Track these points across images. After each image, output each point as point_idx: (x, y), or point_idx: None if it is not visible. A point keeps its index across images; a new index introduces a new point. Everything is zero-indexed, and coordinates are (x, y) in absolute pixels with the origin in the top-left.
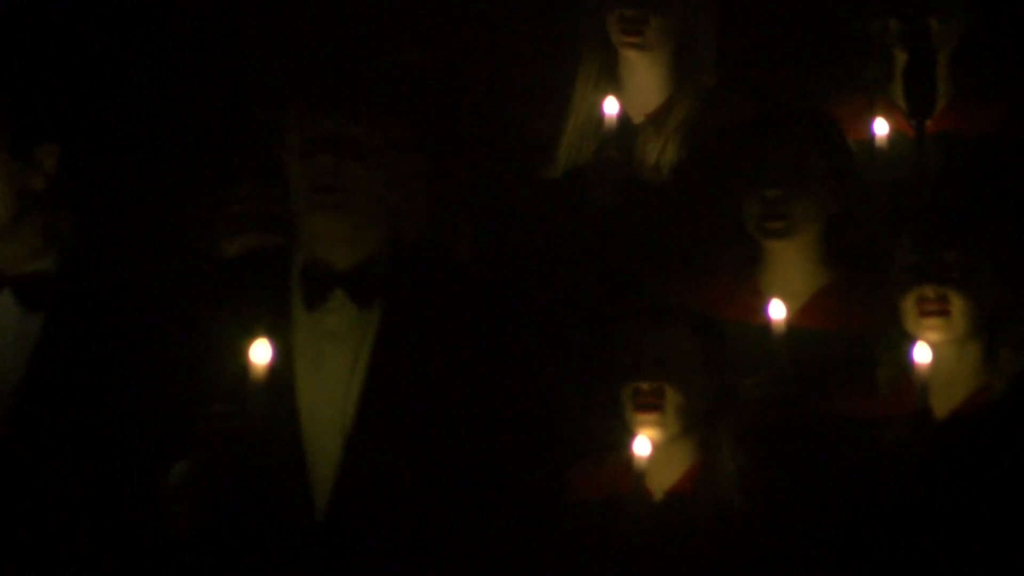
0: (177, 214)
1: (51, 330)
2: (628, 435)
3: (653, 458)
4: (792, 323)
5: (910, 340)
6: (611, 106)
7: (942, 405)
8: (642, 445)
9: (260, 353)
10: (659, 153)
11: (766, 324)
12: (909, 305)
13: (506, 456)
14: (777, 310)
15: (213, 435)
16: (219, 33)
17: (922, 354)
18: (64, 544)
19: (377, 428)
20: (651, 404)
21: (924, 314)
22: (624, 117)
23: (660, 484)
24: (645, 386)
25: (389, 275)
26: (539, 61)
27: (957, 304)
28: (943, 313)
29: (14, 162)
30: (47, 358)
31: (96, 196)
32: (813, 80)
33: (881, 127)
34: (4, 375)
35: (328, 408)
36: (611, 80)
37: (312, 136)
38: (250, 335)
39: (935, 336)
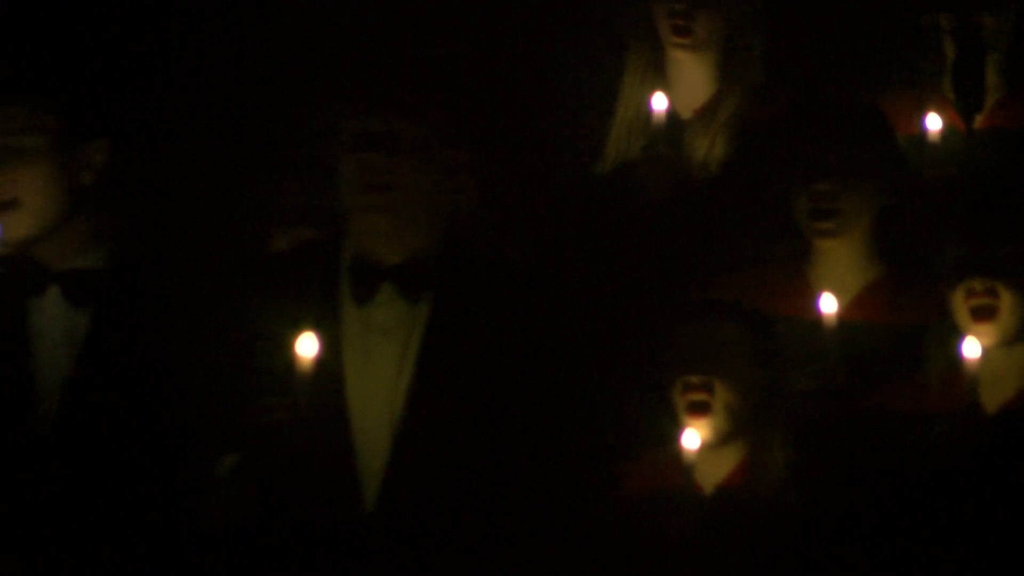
0: (227, 208)
1: (98, 325)
2: (677, 429)
3: (703, 453)
4: (843, 317)
5: (960, 334)
6: (659, 102)
7: (992, 399)
8: (691, 439)
9: (306, 347)
10: (707, 149)
11: (817, 318)
12: (958, 299)
13: (554, 451)
14: (828, 304)
15: (260, 428)
16: (269, 27)
17: (971, 349)
18: (111, 537)
19: (425, 422)
20: (701, 403)
21: (975, 317)
22: (672, 113)
23: (710, 479)
24: (695, 379)
25: (438, 269)
26: (587, 55)
27: (1006, 298)
28: (991, 311)
29: (65, 157)
30: (94, 353)
31: (144, 191)
32: (863, 75)
33: (934, 122)
34: (51, 370)
35: (377, 402)
36: (658, 75)
37: (361, 131)
38: (299, 329)
39: (986, 341)
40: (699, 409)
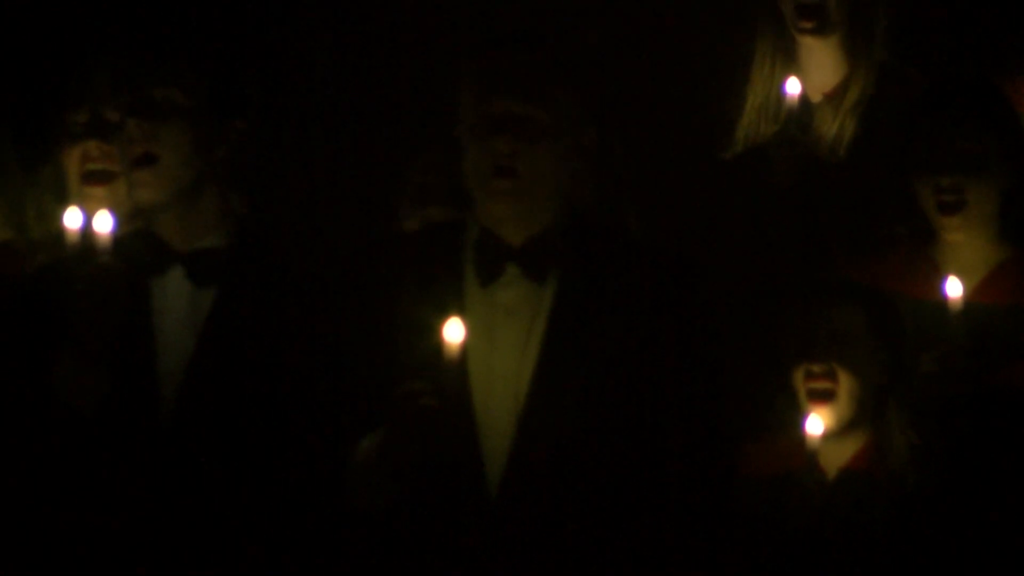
0: (360, 186)
1: (222, 306)
2: (800, 413)
3: (826, 436)
4: (969, 299)
5: None
6: (793, 86)
7: None
8: (814, 424)
9: (454, 332)
10: (836, 132)
11: (942, 300)
12: None
13: (681, 433)
14: (954, 288)
15: (407, 414)
16: (397, 7)
17: None
18: (238, 522)
19: (550, 404)
20: (824, 391)
21: None
22: (803, 96)
23: (833, 461)
24: (817, 368)
25: (563, 249)
26: (716, 39)
27: None
28: None
29: (205, 125)
30: (218, 334)
31: (274, 172)
32: (986, 54)
33: None
34: (174, 351)
35: (501, 384)
36: (788, 59)
37: (487, 114)
38: (424, 310)
39: None
40: (822, 396)
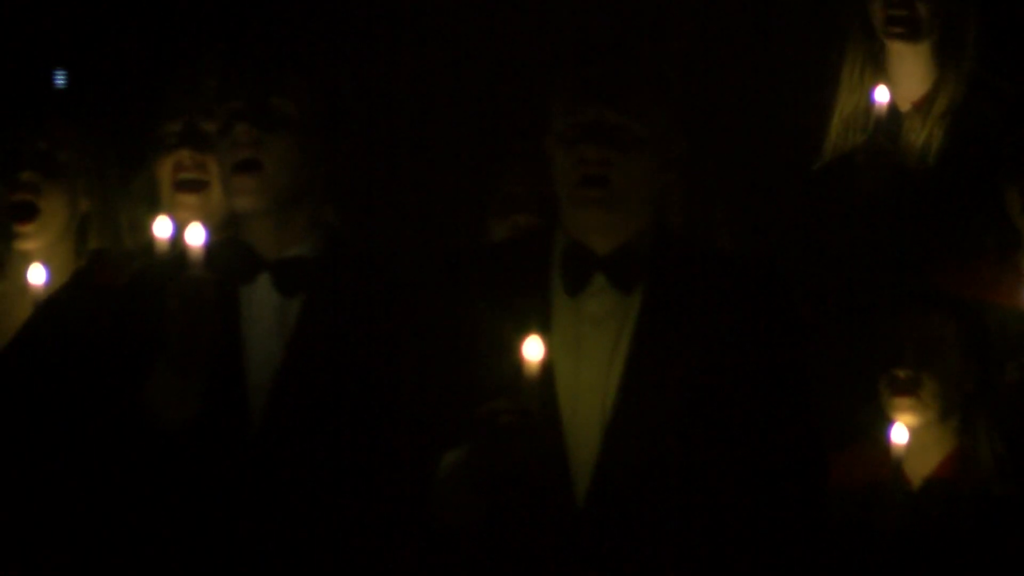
0: (448, 195)
1: (311, 315)
2: (885, 422)
3: (911, 444)
4: None
5: None
6: (882, 95)
7: None
8: (900, 433)
9: (534, 349)
10: (925, 141)
11: None
12: None
13: (769, 444)
14: None
15: (490, 432)
16: (487, 18)
17: None
18: (324, 533)
19: (638, 415)
20: (909, 398)
21: None
22: (891, 105)
23: (918, 471)
24: (902, 374)
25: (651, 260)
26: (804, 50)
27: None
28: None
29: (308, 137)
30: (306, 344)
31: (364, 181)
32: None
33: None
34: (262, 359)
35: (588, 394)
36: (877, 69)
37: (577, 123)
38: (512, 321)
39: None
40: (907, 404)
